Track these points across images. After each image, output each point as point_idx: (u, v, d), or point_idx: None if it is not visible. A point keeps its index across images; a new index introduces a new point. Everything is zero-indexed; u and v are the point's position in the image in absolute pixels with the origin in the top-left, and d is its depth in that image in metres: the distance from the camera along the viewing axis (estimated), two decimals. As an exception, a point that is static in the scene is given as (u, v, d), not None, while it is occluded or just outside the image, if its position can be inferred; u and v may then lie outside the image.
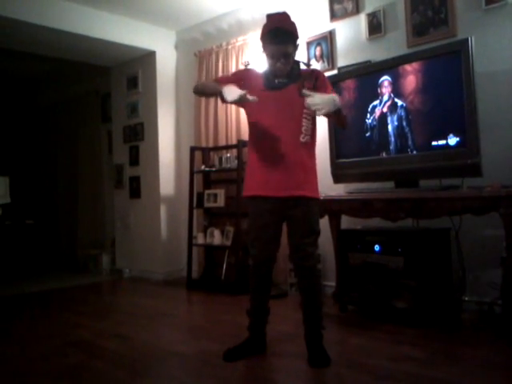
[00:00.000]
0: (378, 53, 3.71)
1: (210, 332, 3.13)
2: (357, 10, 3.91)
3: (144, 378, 2.36)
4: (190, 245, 4.80)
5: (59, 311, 3.95)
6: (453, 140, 2.91)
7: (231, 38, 4.77)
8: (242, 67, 4.59)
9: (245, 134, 4.57)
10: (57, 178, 7.22)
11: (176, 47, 5.54)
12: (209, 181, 4.96)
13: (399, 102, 3.16)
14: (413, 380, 2.16)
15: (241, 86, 2.36)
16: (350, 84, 3.46)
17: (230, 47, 4.77)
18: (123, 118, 5.74)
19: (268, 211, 2.41)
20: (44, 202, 7.39)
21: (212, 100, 4.88)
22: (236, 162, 4.45)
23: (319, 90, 2.34)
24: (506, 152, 3.09)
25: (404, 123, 3.14)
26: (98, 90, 6.53)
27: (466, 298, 3.16)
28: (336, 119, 2.45)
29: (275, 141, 2.37)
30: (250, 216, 2.52)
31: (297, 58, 2.47)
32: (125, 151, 5.74)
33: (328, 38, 4.07)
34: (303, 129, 2.39)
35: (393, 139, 3.21)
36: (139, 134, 5.54)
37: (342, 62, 4.00)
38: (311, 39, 4.14)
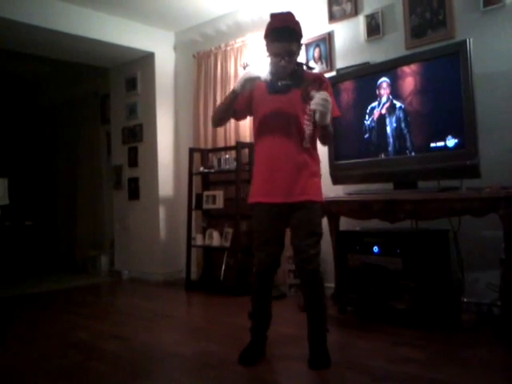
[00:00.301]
0: (377, 54, 3.72)
1: (209, 333, 3.13)
2: (355, 12, 3.91)
3: (143, 380, 2.36)
4: (189, 246, 4.80)
5: (58, 312, 3.94)
6: (451, 141, 2.91)
7: (230, 40, 4.78)
8: (240, 69, 4.61)
9: (244, 136, 4.58)
10: (56, 179, 7.21)
11: (175, 49, 5.54)
12: (207, 182, 4.96)
13: (398, 104, 3.16)
14: (412, 381, 2.16)
15: (250, 94, 2.44)
16: (348, 85, 3.47)
17: (228, 49, 4.78)
18: (122, 119, 5.74)
19: (272, 215, 2.40)
20: (43, 203, 7.39)
21: (211, 101, 4.89)
22: (235, 163, 4.45)
23: None
24: (504, 153, 3.09)
25: (402, 125, 3.15)
26: (97, 92, 6.53)
27: (465, 300, 3.15)
28: (322, 130, 2.36)
29: (278, 146, 2.38)
30: (254, 220, 2.49)
31: (300, 60, 2.46)
32: (123, 152, 5.73)
33: (326, 40, 4.08)
34: (305, 134, 2.38)
35: (391, 141, 3.21)
36: (138, 136, 5.54)
37: (340, 63, 4.01)
38: (310, 41, 4.15)
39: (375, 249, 3.18)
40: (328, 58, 4.07)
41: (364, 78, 3.41)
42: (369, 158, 3.33)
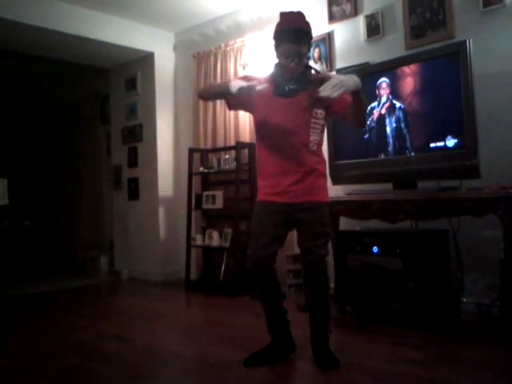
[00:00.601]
0: (377, 55, 3.72)
1: (209, 334, 3.13)
2: (355, 12, 3.91)
3: (143, 380, 2.36)
4: (189, 246, 4.80)
5: (58, 313, 3.94)
6: (451, 141, 2.91)
7: (229, 40, 4.78)
8: (240, 69, 4.61)
9: (243, 136, 4.58)
10: (56, 180, 7.20)
11: (175, 49, 5.54)
12: (207, 182, 4.96)
13: (397, 104, 3.16)
14: (411, 381, 2.17)
15: (250, 95, 2.36)
16: (348, 86, 3.46)
17: (228, 49, 4.78)
18: (122, 120, 5.74)
19: (275, 212, 2.37)
20: (43, 203, 7.38)
21: (211, 101, 4.88)
22: (234, 163, 4.45)
23: None
24: (504, 153, 3.09)
25: (402, 125, 3.15)
26: (97, 92, 6.53)
27: (465, 300, 3.16)
28: (355, 106, 2.28)
29: (284, 149, 2.35)
30: (255, 215, 2.46)
31: (309, 62, 2.44)
32: (123, 152, 5.73)
33: (326, 40, 4.08)
34: (311, 138, 2.36)
35: (391, 141, 3.21)
36: (138, 136, 5.54)
37: (340, 63, 4.01)
38: (310, 41, 4.14)
39: (375, 249, 3.18)
40: (328, 58, 4.07)
41: (364, 78, 3.37)
42: (368, 158, 3.33)
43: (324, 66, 4.09)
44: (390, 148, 3.22)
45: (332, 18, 4.07)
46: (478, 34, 3.18)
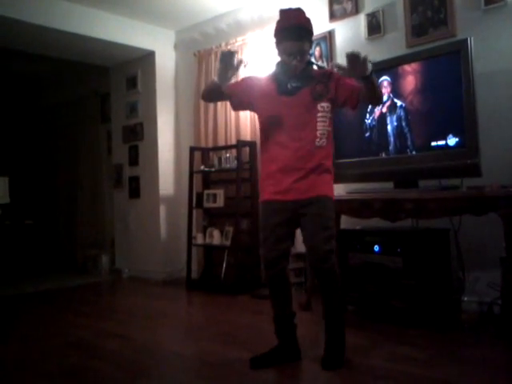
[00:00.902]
0: (378, 53, 3.70)
1: (209, 332, 3.13)
2: (356, 11, 3.91)
3: (144, 379, 2.36)
4: (190, 245, 4.80)
5: (59, 311, 3.95)
6: (452, 140, 2.91)
7: (230, 39, 4.77)
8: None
9: (244, 134, 4.58)
10: (56, 178, 7.21)
11: (175, 47, 5.53)
12: (208, 181, 4.96)
13: (398, 103, 3.16)
14: (412, 380, 2.16)
15: (250, 94, 2.40)
16: (349, 84, 3.46)
17: (229, 47, 4.77)
18: (122, 118, 5.73)
19: (280, 211, 2.36)
20: (43, 202, 7.38)
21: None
22: (235, 162, 4.45)
23: (334, 88, 2.35)
24: (505, 152, 3.09)
25: (403, 123, 3.14)
26: (98, 90, 6.53)
27: (466, 299, 3.16)
28: (368, 86, 2.30)
29: (289, 148, 2.34)
30: (262, 216, 2.45)
31: (310, 59, 2.43)
32: (124, 151, 5.73)
33: (327, 38, 4.07)
34: (318, 133, 2.35)
35: (392, 139, 3.21)
36: (138, 134, 5.53)
37: (341, 62, 3.97)
38: (310, 39, 4.14)
39: (376, 248, 3.18)
40: (328, 56, 4.06)
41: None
42: (369, 156, 3.32)
43: (325, 64, 4.08)
44: (391, 147, 3.22)
45: (333, 16, 4.06)
46: (480, 33, 3.18)
